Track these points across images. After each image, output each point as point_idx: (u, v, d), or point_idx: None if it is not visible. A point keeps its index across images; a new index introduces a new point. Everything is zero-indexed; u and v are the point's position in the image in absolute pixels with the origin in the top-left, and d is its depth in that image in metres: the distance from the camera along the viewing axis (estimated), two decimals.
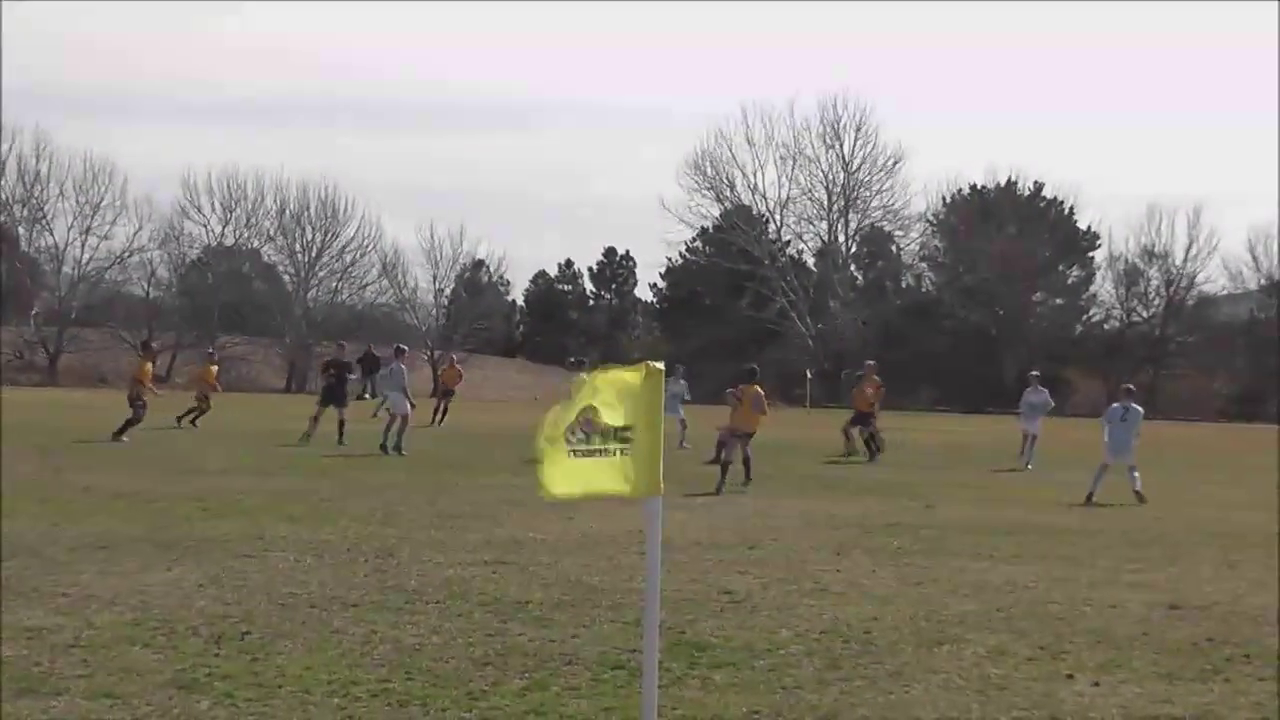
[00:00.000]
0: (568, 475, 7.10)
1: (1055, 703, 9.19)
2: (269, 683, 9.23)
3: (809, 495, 24.13)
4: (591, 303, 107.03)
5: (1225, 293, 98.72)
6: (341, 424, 32.86)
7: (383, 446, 30.41)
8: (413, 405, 31.82)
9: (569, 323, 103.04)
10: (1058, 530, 19.73)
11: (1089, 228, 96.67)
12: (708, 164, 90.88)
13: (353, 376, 39.35)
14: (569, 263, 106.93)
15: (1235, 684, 9.93)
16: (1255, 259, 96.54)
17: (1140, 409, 26.16)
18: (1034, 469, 31.52)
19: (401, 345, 36.07)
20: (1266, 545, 18.59)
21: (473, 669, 9.75)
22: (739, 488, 24.30)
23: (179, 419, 36.83)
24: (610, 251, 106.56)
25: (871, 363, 37.38)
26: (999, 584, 14.34)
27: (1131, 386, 27.53)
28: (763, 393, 26.42)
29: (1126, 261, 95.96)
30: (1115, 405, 26.31)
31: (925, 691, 9.45)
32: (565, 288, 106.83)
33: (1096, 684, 9.79)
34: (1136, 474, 24.87)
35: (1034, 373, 35.81)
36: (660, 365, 7.19)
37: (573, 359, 46.14)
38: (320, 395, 34.99)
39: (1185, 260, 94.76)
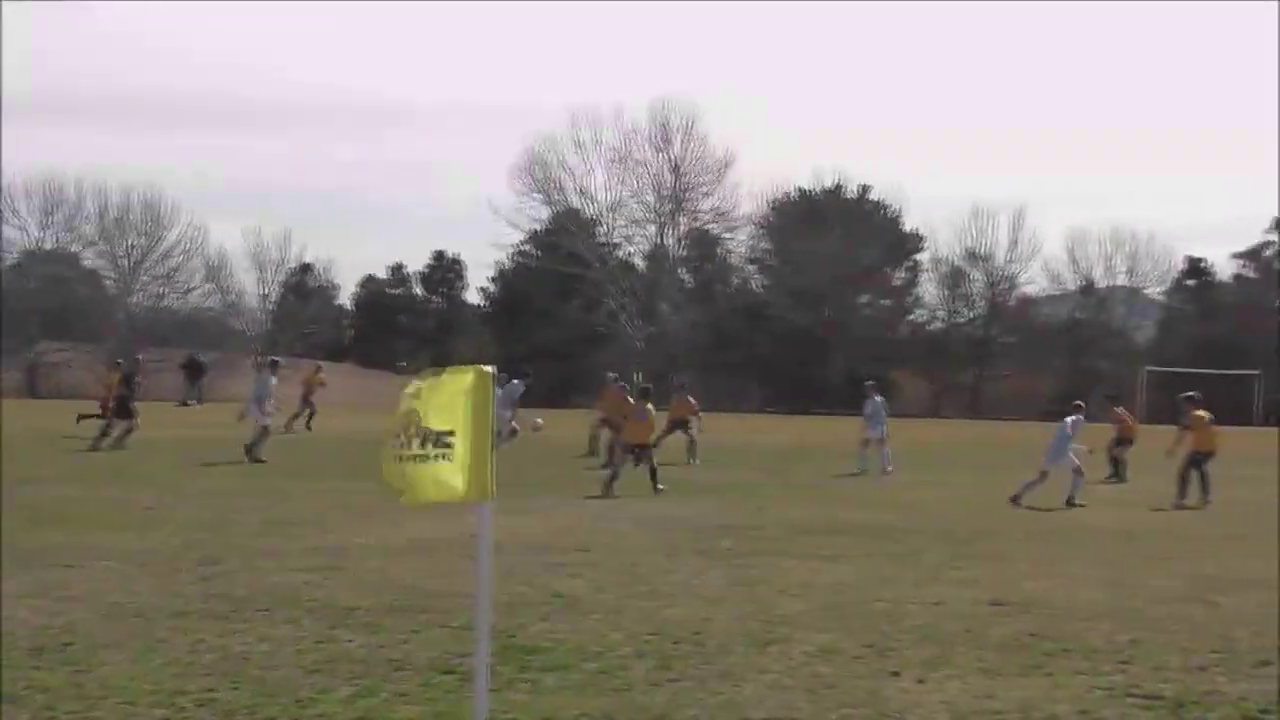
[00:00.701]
0: (406, 481, 7.11)
1: (881, 700, 9.32)
2: (91, 694, 9.07)
3: (643, 498, 24.20)
4: (421, 306, 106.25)
5: (1046, 294, 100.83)
6: (128, 431, 32.86)
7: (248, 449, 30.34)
8: (269, 415, 31.71)
9: (399, 327, 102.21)
10: (885, 529, 20.00)
11: (914, 230, 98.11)
12: (536, 167, 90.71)
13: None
14: (398, 266, 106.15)
15: (1056, 678, 10.14)
16: (1074, 260, 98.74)
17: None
18: (871, 471, 31.63)
19: (275, 359, 35.79)
20: (1084, 542, 19.03)
21: (301, 677, 9.67)
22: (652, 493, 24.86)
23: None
24: (440, 255, 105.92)
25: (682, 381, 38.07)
26: (828, 583, 14.51)
27: (1080, 403, 27.95)
28: (650, 407, 27.19)
29: (950, 263, 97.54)
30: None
31: (755, 691, 9.53)
32: (395, 291, 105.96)
33: (922, 681, 9.94)
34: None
35: (869, 382, 36.22)
36: (490, 369, 7.19)
37: (402, 363, 45.78)
38: (114, 407, 34.61)
39: (1007, 262, 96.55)
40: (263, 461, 29.53)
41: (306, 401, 44.96)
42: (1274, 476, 31.75)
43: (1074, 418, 26.39)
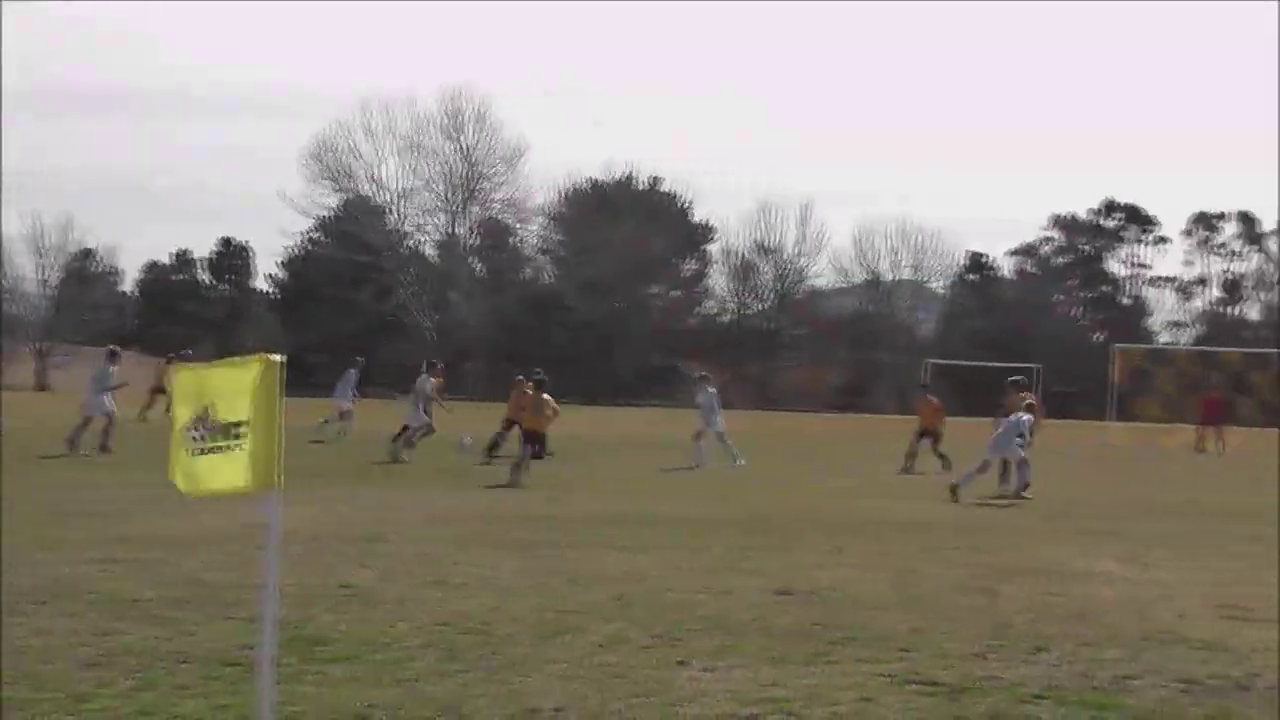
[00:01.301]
0: (191, 473, 6.99)
1: (669, 688, 9.37)
2: None
3: (436, 488, 24.10)
4: (208, 293, 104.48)
5: (833, 287, 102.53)
6: None
7: (102, 447, 30.03)
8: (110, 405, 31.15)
9: (184, 314, 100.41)
10: (677, 520, 20.13)
11: (705, 222, 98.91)
12: (328, 154, 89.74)
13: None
14: (184, 252, 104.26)
15: (841, 665, 10.28)
16: (861, 254, 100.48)
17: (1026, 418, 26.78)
18: (706, 465, 31.63)
19: (114, 348, 34.79)
20: (869, 531, 19.35)
21: (78, 670, 9.45)
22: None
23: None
24: (227, 241, 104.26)
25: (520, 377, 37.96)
26: (618, 574, 14.55)
27: (1032, 401, 28.32)
28: (548, 398, 28.09)
29: (740, 256, 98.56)
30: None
31: (543, 680, 9.53)
32: (180, 278, 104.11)
33: (709, 669, 10.01)
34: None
35: (701, 374, 36.33)
36: (278, 357, 7.09)
37: (181, 351, 44.82)
38: None
39: (796, 255, 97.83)
40: (110, 451, 29.25)
41: (157, 392, 43.89)
42: (1059, 467, 32.58)
43: (1026, 417, 26.77)
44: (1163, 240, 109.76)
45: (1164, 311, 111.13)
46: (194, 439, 7.06)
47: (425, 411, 33.00)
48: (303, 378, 52.95)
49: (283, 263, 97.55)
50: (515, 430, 30.15)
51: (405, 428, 32.11)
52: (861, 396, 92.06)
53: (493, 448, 31.86)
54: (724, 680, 9.69)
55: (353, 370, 39.24)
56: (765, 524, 20.03)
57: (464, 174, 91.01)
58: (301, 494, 20.12)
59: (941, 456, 32.51)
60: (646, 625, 11.60)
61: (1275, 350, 77.49)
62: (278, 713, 7.91)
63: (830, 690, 9.45)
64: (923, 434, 33.52)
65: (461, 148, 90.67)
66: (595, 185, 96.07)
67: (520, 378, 33.26)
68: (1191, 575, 15.86)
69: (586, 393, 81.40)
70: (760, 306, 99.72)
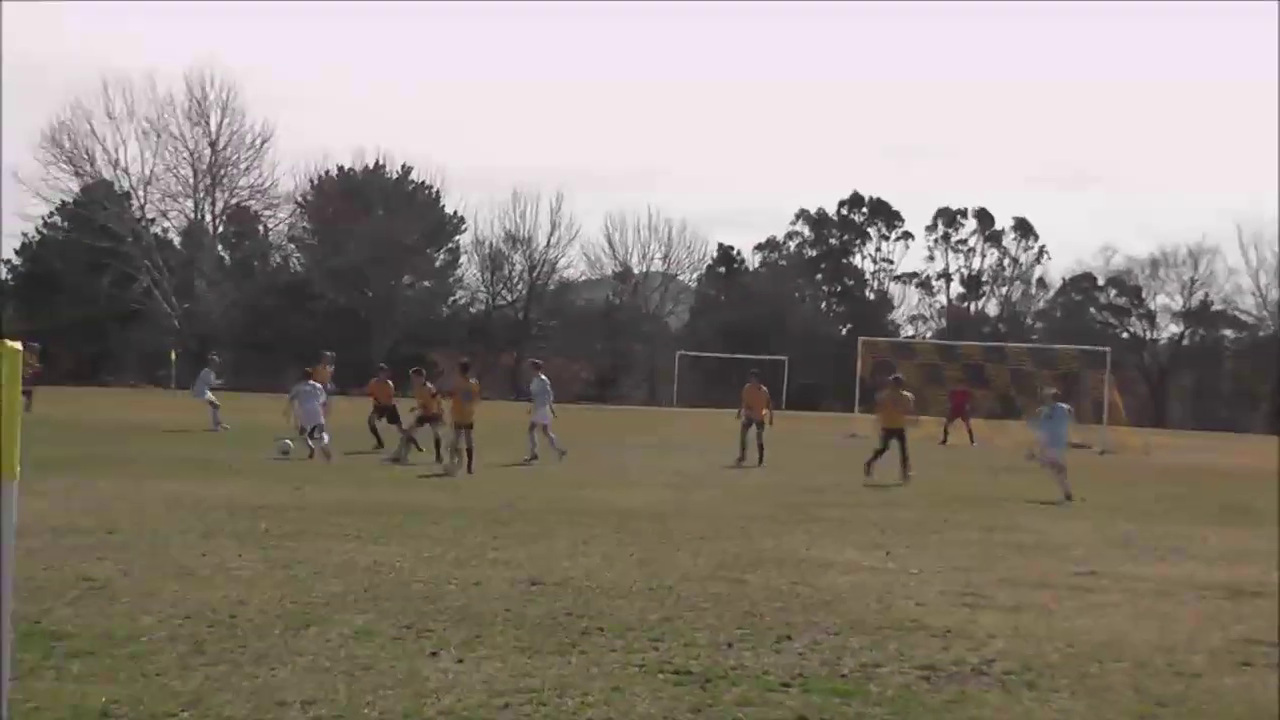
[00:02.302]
0: None
1: (420, 680, 9.33)
2: None
3: (176, 478, 23.64)
4: None
5: (585, 278, 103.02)
6: None
7: None
8: None
9: None
10: (425, 510, 20.04)
11: (455, 212, 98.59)
12: (65, 136, 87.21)
13: None
14: None
15: (590, 655, 10.34)
16: (612, 246, 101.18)
17: (1066, 407, 27.54)
18: (544, 456, 31.41)
19: None
20: (616, 521, 19.48)
21: None
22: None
23: None
24: None
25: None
26: (366, 564, 14.45)
27: (1056, 390, 28.80)
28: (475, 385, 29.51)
29: (492, 246, 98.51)
30: (1044, 406, 27.40)
31: (292, 673, 9.42)
32: None
33: (460, 660, 9.99)
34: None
35: (534, 360, 36.08)
36: (17, 345, 6.88)
37: None
38: None
39: (547, 246, 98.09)
40: None
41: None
42: (802, 458, 33.15)
43: (1065, 406, 27.73)
44: (907, 235, 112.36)
45: (907, 306, 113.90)
46: None
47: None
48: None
49: (19, 248, 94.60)
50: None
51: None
52: (612, 387, 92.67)
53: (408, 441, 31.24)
54: (476, 671, 9.67)
55: (208, 368, 39.05)
56: (514, 514, 20.05)
57: (210, 159, 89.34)
58: (31, 485, 19.57)
59: (761, 447, 33.00)
60: (396, 616, 11.53)
61: (1011, 344, 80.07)
62: (14, 710, 7.70)
63: (582, 680, 9.50)
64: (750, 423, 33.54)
65: (207, 132, 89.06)
66: (344, 173, 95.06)
67: (417, 369, 33.69)
68: (930, 563, 16.28)
69: (338, 381, 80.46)
70: (511, 297, 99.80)
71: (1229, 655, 11.25)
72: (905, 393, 31.06)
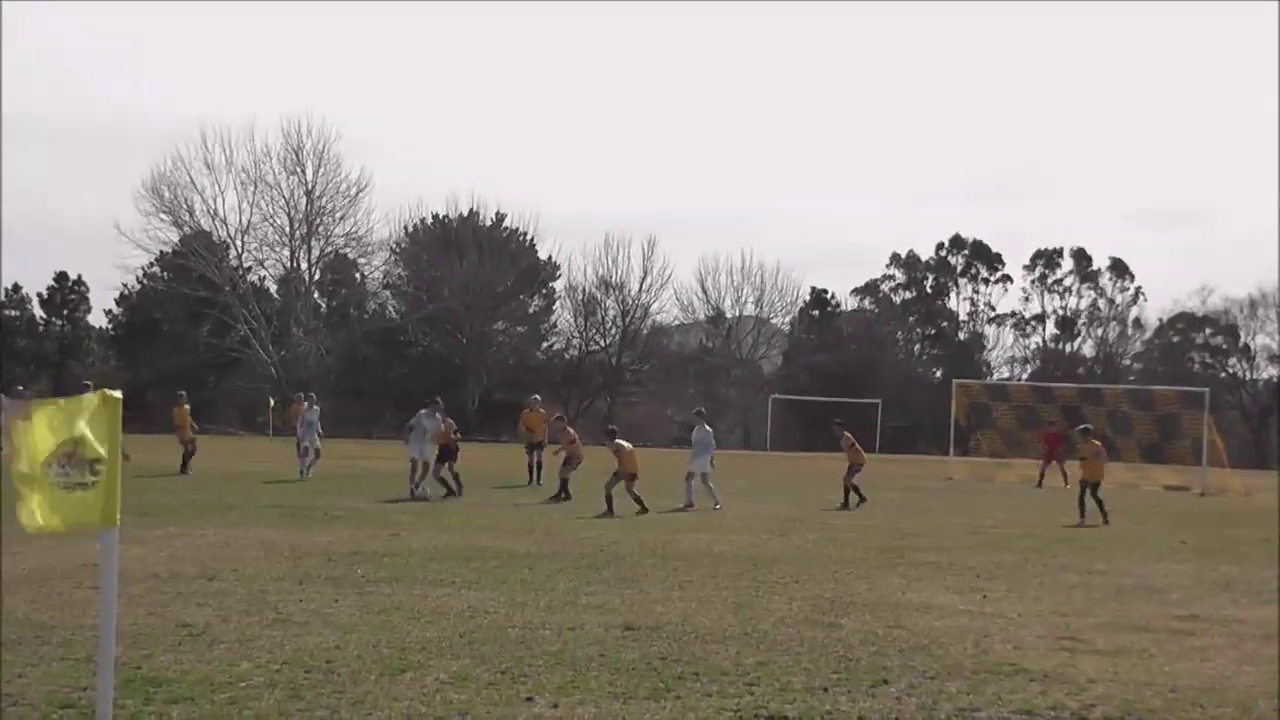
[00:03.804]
0: (54, 509, 6.87)
1: None
2: None
3: (272, 525, 23.80)
4: (42, 329, 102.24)
5: (677, 323, 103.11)
6: None
7: None
8: None
9: (17, 350, 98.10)
10: (519, 556, 20.07)
11: (549, 258, 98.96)
12: (165, 187, 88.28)
13: None
14: (16, 287, 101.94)
15: (685, 700, 10.32)
16: (705, 290, 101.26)
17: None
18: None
19: None
20: (712, 566, 19.42)
21: None
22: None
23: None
24: (62, 276, 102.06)
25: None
26: (461, 610, 14.49)
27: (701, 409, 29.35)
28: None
29: (584, 291, 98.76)
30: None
31: (387, 718, 9.45)
32: (12, 313, 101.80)
33: (555, 705, 10.00)
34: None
35: (699, 409, 36.17)
36: (118, 394, 6.98)
37: (20, 388, 43.94)
38: None
39: (640, 291, 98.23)
40: None
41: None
42: (897, 502, 32.95)
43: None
44: (1006, 279, 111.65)
45: (1002, 348, 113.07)
46: (60, 474, 6.92)
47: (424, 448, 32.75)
48: (138, 414, 52.07)
49: (119, 298, 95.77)
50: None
51: (425, 465, 31.96)
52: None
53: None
54: (570, 715, 9.68)
55: (315, 410, 38.72)
56: (608, 559, 20.04)
57: (305, 208, 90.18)
58: (133, 532, 19.78)
59: (853, 490, 32.95)
60: (491, 661, 11.55)
61: (1108, 385, 79.34)
62: None
63: None
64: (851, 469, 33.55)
65: (303, 181, 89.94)
66: (439, 220, 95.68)
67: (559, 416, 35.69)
68: (1028, 606, 16.13)
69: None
70: (604, 341, 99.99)
71: None
72: (1095, 442, 31.16)
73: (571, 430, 32.51)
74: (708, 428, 32.72)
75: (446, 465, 32.46)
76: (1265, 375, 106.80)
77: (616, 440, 29.99)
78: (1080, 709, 10.40)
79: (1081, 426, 32.73)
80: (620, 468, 29.33)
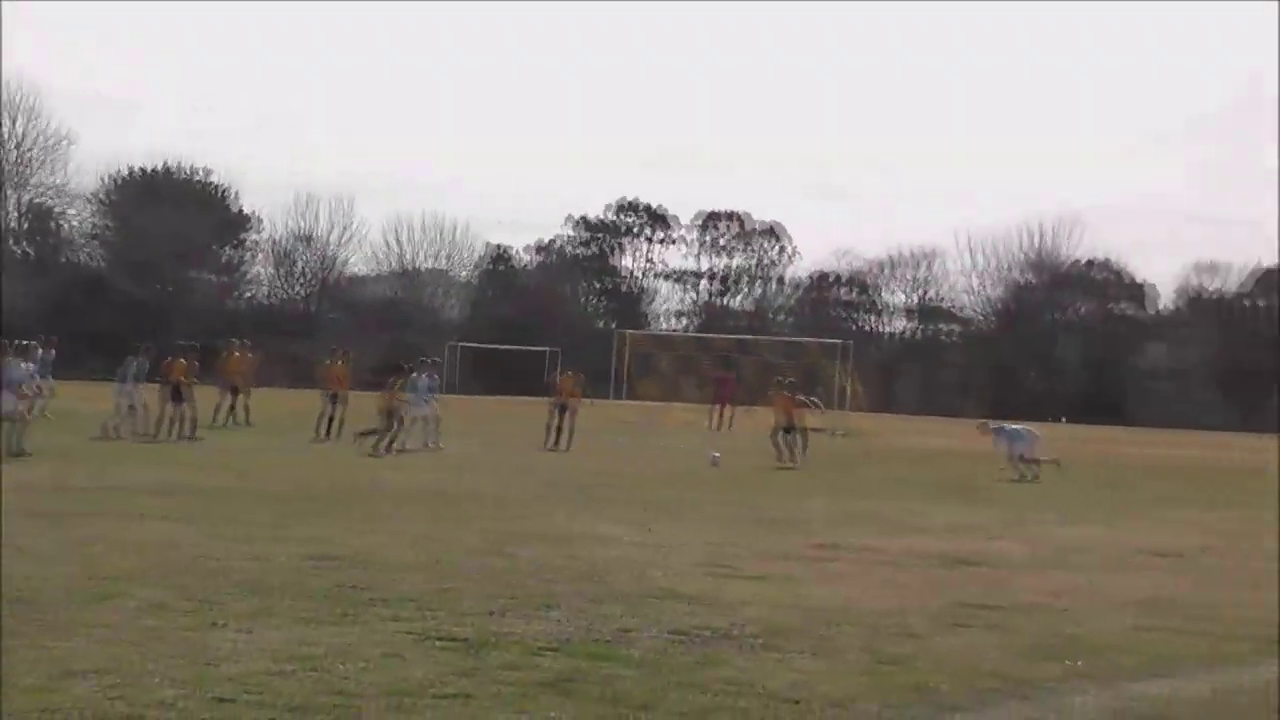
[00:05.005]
0: None
1: (206, 649, 9.17)
2: None
3: None
4: None
5: (369, 275, 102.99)
6: None
7: None
8: None
9: None
10: (219, 491, 19.66)
11: (245, 210, 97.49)
12: None
13: None
14: None
15: (369, 624, 10.26)
16: (395, 244, 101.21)
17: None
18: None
19: None
20: (402, 502, 19.36)
21: None
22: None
23: None
24: None
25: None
26: (159, 541, 14.15)
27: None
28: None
29: (281, 244, 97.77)
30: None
31: (84, 644, 9.18)
32: None
33: (245, 630, 9.84)
34: None
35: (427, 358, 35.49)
36: None
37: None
38: None
39: (335, 245, 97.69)
40: None
41: None
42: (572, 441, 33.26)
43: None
44: (672, 240, 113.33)
45: (670, 302, 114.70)
46: None
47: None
48: None
49: None
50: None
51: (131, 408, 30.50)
52: (396, 375, 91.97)
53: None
54: (259, 640, 9.54)
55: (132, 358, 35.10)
56: (301, 494, 19.80)
57: (15, 159, 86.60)
58: None
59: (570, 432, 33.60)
60: (187, 590, 11.31)
61: (760, 337, 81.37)
62: None
63: (360, 647, 9.42)
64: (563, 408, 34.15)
65: (7, 134, 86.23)
66: (142, 172, 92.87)
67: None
68: (685, 538, 16.45)
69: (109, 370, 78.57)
70: (301, 291, 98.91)
71: (949, 618, 11.56)
72: (785, 393, 32.01)
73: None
74: (426, 377, 32.88)
75: (176, 406, 31.15)
76: (896, 328, 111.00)
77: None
78: (728, 628, 10.65)
79: (778, 378, 34.47)
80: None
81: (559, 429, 33.45)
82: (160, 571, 12.24)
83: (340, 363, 35.88)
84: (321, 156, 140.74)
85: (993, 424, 30.76)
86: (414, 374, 32.07)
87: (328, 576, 12.33)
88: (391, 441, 29.19)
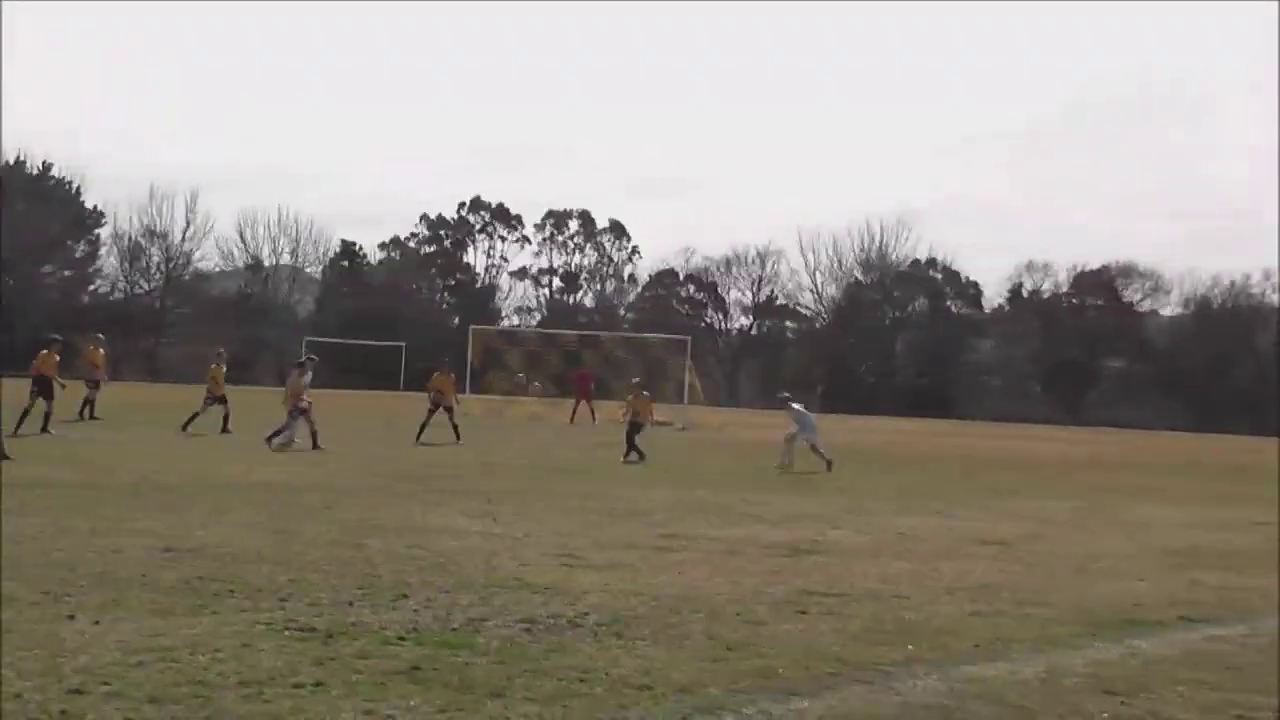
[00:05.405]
0: None
1: (58, 641, 8.97)
2: None
3: None
4: None
5: (218, 269, 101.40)
6: None
7: None
8: None
9: None
10: (64, 484, 19.24)
11: (96, 207, 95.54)
12: None
13: None
14: None
15: (221, 615, 10.11)
16: (244, 240, 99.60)
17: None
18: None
19: None
20: (252, 494, 19.10)
21: None
22: None
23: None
24: None
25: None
26: (7, 534, 13.77)
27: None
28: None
29: (130, 239, 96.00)
30: None
31: None
32: None
33: (97, 622, 9.65)
34: None
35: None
36: None
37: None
38: None
39: (183, 240, 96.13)
40: None
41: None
42: (411, 435, 33.02)
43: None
44: (525, 240, 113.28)
45: (516, 298, 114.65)
46: None
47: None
48: None
49: None
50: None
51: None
52: (245, 370, 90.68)
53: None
54: (111, 632, 9.35)
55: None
56: (151, 487, 19.44)
57: None
58: None
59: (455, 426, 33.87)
60: (35, 583, 11.05)
61: (606, 333, 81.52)
62: None
63: (212, 638, 9.28)
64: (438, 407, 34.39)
65: None
66: None
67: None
68: (532, 528, 16.44)
69: None
70: (149, 286, 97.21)
71: (789, 604, 11.68)
72: (645, 393, 32.17)
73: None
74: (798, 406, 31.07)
75: (48, 401, 30.20)
76: (738, 325, 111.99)
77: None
78: (576, 616, 10.67)
79: (635, 380, 34.68)
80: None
81: (426, 425, 33.43)
82: (9, 565, 11.94)
83: (216, 365, 35.39)
84: (172, 151, 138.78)
85: (794, 402, 30.85)
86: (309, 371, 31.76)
87: (179, 568, 12.12)
88: (281, 433, 28.93)
